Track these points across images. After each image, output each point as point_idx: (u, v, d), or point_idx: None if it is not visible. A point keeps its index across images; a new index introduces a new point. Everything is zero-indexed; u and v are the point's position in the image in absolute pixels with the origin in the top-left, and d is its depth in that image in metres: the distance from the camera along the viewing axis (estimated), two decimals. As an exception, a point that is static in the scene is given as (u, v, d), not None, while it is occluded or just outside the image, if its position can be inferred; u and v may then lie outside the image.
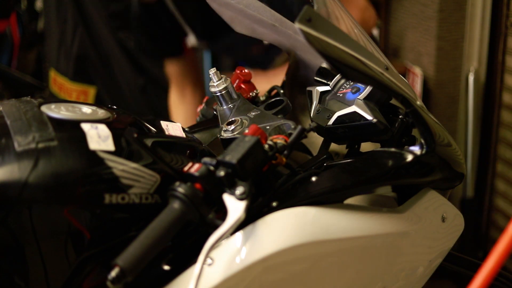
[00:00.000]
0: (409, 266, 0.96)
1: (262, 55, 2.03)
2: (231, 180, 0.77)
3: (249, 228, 0.80)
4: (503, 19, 2.01)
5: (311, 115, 1.02)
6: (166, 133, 0.94)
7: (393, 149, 0.92)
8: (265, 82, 1.50)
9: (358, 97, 0.94)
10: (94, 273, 0.78)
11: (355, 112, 0.93)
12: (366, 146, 1.02)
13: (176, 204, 0.75)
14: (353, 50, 0.77)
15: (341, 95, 0.99)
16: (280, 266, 0.80)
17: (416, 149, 0.90)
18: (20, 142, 0.75)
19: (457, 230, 1.02)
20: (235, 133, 0.98)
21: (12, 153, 0.74)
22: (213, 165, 0.79)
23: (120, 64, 2.46)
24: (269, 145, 0.83)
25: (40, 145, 0.75)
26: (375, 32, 2.44)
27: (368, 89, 0.94)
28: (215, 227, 0.75)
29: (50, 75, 2.54)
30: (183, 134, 0.96)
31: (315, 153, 1.06)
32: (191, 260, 0.78)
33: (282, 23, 1.09)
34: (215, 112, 1.10)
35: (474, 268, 1.08)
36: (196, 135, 1.08)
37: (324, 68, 1.07)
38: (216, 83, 1.05)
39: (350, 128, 0.94)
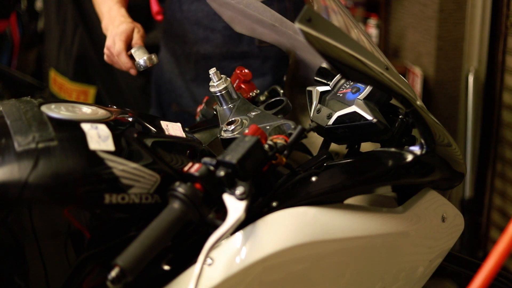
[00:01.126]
0: (409, 266, 0.96)
1: None
2: (231, 180, 0.77)
3: (249, 228, 0.80)
4: (503, 19, 2.01)
5: (311, 115, 1.02)
6: (166, 133, 0.94)
7: (393, 149, 0.92)
8: None
9: (358, 97, 0.94)
10: (94, 273, 0.78)
11: (355, 112, 0.93)
12: (366, 146, 1.02)
13: (176, 204, 0.75)
14: (353, 50, 0.77)
15: (341, 95, 0.99)
16: (280, 266, 0.80)
17: (416, 149, 0.90)
18: (20, 142, 0.76)
19: (457, 230, 1.02)
20: (235, 133, 0.98)
21: (12, 153, 0.74)
22: (213, 165, 0.79)
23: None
24: (269, 145, 0.83)
25: (40, 145, 0.75)
26: (375, 32, 2.44)
27: (368, 89, 0.94)
28: (215, 227, 0.75)
29: (50, 75, 2.53)
30: (183, 134, 0.96)
31: (315, 153, 1.06)
32: (191, 260, 0.78)
33: (282, 23, 1.09)
34: (215, 112, 1.10)
35: (474, 268, 1.08)
36: (196, 135, 1.08)
37: (324, 68, 1.07)
38: (216, 83, 1.05)
39: (350, 128, 0.94)
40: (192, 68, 1.61)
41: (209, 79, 1.04)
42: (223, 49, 1.56)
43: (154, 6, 1.70)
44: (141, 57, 1.25)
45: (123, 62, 1.29)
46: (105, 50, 1.33)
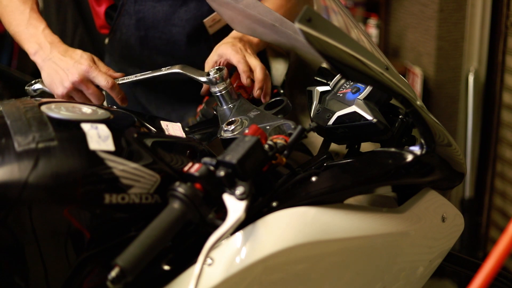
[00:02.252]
0: (409, 266, 0.96)
1: None
2: (231, 180, 0.77)
3: (249, 228, 0.80)
4: (503, 19, 2.01)
5: (311, 115, 1.02)
6: (166, 133, 0.94)
7: (393, 149, 0.92)
8: None
9: (358, 97, 0.94)
10: (94, 273, 0.78)
11: (355, 112, 0.93)
12: (366, 146, 1.02)
13: (176, 204, 0.75)
14: (353, 50, 0.77)
15: (341, 95, 0.99)
16: (280, 266, 0.80)
17: (416, 149, 0.90)
18: (20, 142, 0.76)
19: (457, 230, 1.02)
20: (235, 133, 0.98)
21: (12, 153, 0.74)
22: (213, 165, 0.79)
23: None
24: (269, 145, 0.83)
25: (40, 145, 0.75)
26: (375, 32, 2.44)
27: (368, 89, 0.94)
28: (215, 227, 0.75)
29: (50, 75, 2.53)
30: (183, 134, 0.96)
31: (315, 153, 1.06)
32: (191, 260, 0.78)
33: (282, 23, 1.09)
34: (215, 112, 1.10)
35: (474, 268, 1.08)
36: (196, 135, 1.08)
37: (324, 68, 1.07)
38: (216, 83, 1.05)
39: (350, 128, 0.94)
40: (150, 92, 1.49)
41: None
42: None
43: (98, 20, 1.56)
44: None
45: (117, 93, 1.13)
46: (69, 85, 1.11)
